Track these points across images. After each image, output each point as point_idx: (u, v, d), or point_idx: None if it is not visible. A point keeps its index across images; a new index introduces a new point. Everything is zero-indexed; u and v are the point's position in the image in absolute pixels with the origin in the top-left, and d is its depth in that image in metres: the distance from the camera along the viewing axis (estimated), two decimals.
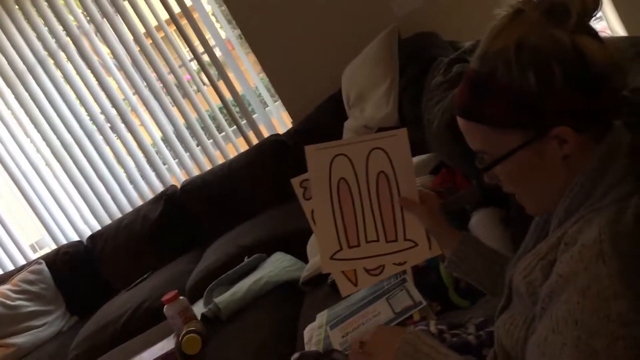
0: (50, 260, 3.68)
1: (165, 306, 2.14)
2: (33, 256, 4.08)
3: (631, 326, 0.69)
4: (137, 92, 3.87)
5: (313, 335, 1.61)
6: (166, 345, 2.04)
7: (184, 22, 3.72)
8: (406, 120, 2.61)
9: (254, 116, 3.96)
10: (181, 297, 2.16)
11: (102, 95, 3.86)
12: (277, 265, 2.41)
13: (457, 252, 1.08)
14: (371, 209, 1.05)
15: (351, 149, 1.03)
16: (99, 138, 3.92)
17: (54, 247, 3.96)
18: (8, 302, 3.38)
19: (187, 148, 3.98)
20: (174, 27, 3.82)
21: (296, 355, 1.33)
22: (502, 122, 0.82)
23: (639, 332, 0.70)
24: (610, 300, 0.70)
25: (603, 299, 0.70)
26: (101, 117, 3.90)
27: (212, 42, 3.89)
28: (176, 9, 3.67)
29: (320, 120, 3.34)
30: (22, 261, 4.04)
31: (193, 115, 3.93)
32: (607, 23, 3.10)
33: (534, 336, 0.79)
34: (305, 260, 2.33)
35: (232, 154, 3.90)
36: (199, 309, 2.29)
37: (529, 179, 0.85)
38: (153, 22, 3.77)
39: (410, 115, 2.50)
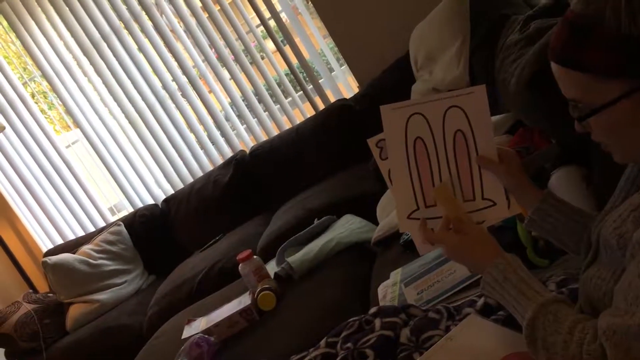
0: (128, 222, 3.86)
1: (240, 265, 2.21)
2: (112, 218, 4.28)
3: None
4: (206, 59, 3.95)
5: (387, 292, 1.63)
6: (242, 301, 2.12)
7: None
8: (477, 81, 2.55)
9: (320, 81, 3.97)
10: (255, 256, 2.23)
11: (173, 63, 3.96)
12: (347, 227, 2.44)
13: (538, 210, 1.07)
14: (448, 168, 1.05)
15: (427, 108, 1.02)
16: (170, 105, 4.04)
17: (131, 210, 4.15)
18: (91, 261, 3.57)
19: (254, 114, 4.04)
20: None
21: (374, 309, 1.36)
22: (606, 71, 0.78)
23: None
24: None
25: None
26: (173, 85, 4.01)
27: (278, 8, 3.91)
28: None
29: (387, 84, 3.31)
30: (102, 223, 4.25)
31: (260, 82, 3.98)
32: None
33: (619, 283, 0.78)
34: (375, 223, 2.35)
35: (298, 119, 3.94)
36: (271, 268, 2.35)
37: (625, 130, 0.82)
38: None
39: (482, 76, 2.44)
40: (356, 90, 3.65)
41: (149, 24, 3.88)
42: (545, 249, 1.42)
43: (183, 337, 2.05)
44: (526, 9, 2.44)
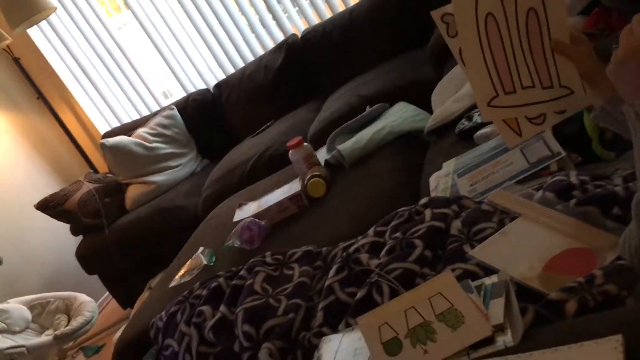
0: (181, 106, 3.89)
1: (290, 151, 2.19)
2: (165, 102, 4.32)
3: None
4: None
5: (439, 182, 1.59)
6: (292, 187, 2.12)
7: None
8: None
9: None
10: (305, 143, 2.20)
11: None
12: (400, 115, 2.36)
13: (612, 100, 0.98)
14: (522, 51, 0.95)
15: None
16: None
17: (183, 94, 4.16)
18: (146, 143, 3.65)
19: None
20: None
21: (425, 199, 1.32)
22: None
23: None
24: None
25: None
26: None
27: None
28: None
29: None
30: (155, 107, 4.30)
31: None
32: None
33: None
34: (429, 111, 2.27)
35: (352, 1, 3.75)
36: (321, 156, 2.33)
37: None
38: None
39: None
40: None
41: None
42: (613, 141, 1.33)
43: (235, 219, 2.10)
44: None
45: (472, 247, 1.10)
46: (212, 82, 4.07)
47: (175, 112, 3.84)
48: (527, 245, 1.03)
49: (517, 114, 0.97)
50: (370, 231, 1.32)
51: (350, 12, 3.48)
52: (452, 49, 0.96)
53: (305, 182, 2.07)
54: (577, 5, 1.72)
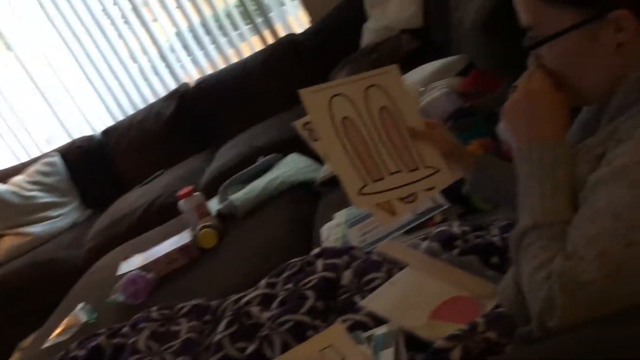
0: (65, 153, 3.70)
1: (181, 201, 2.14)
2: (47, 149, 4.08)
3: None
4: None
5: (331, 233, 1.61)
6: (182, 238, 2.06)
7: None
8: (432, 21, 2.50)
9: (270, 14, 3.81)
10: (196, 193, 2.16)
11: None
12: (292, 166, 2.39)
13: (477, 171, 1.05)
14: (383, 143, 1.02)
15: (347, 89, 0.99)
16: (112, 32, 3.81)
17: (68, 141, 3.96)
18: (23, 192, 3.42)
19: (201, 46, 3.87)
20: None
21: (317, 250, 1.33)
22: None
23: None
24: None
25: None
26: (114, 9, 3.77)
27: None
28: None
29: (339, 21, 3.23)
30: (36, 153, 4.05)
31: (208, 12, 3.80)
32: None
33: (572, 224, 0.76)
34: (321, 162, 2.31)
35: (246, 53, 3.80)
36: (213, 206, 2.30)
37: (575, 64, 0.80)
38: None
39: (437, 15, 2.39)
40: (307, 25, 3.53)
41: None
42: None
43: (119, 273, 1.99)
44: None
45: (363, 297, 1.11)
46: (100, 129, 3.91)
47: (57, 158, 3.64)
48: (414, 295, 1.06)
49: (388, 197, 1.02)
50: (262, 283, 1.30)
51: (245, 64, 3.51)
52: (318, 151, 1.02)
53: (196, 232, 2.02)
54: (456, 67, 1.85)
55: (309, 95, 0.97)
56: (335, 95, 0.98)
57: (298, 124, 1.02)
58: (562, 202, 0.76)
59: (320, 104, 0.98)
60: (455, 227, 1.24)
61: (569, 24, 0.77)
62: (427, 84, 1.91)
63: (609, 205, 0.69)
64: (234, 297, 1.33)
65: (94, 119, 4.04)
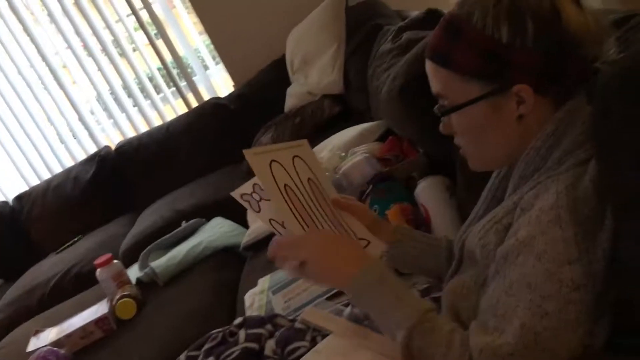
0: None
1: (98, 270, 2.06)
2: None
3: (582, 290, 0.70)
4: (70, 47, 3.67)
5: (255, 300, 1.58)
6: (99, 309, 1.97)
7: None
8: (352, 87, 2.59)
9: (193, 78, 3.84)
10: (115, 261, 2.09)
11: (32, 49, 3.64)
12: (216, 230, 2.36)
13: (394, 243, 1.08)
14: (319, 211, 1.01)
15: (279, 156, 0.99)
16: (28, 94, 3.70)
17: None
18: None
19: (122, 109, 3.82)
20: None
21: (239, 320, 1.30)
22: (468, 70, 0.82)
23: (589, 296, 0.71)
24: (564, 265, 0.70)
25: (558, 264, 0.70)
26: (30, 72, 3.68)
27: None
28: None
29: (263, 85, 3.28)
30: None
31: (130, 75, 3.77)
32: None
33: (486, 296, 0.79)
34: (246, 226, 2.29)
35: (170, 116, 3.78)
36: (133, 273, 2.22)
37: (481, 133, 0.86)
38: None
39: (356, 82, 2.48)
40: (231, 89, 3.57)
41: (4, 4, 3.52)
42: None
43: (28, 350, 1.87)
44: (398, 20, 2.51)
45: None
46: (12, 195, 3.73)
47: None
48: None
49: None
50: (182, 357, 1.25)
51: (168, 127, 3.48)
52: (262, 220, 0.98)
53: (114, 302, 1.94)
54: (374, 133, 1.91)
55: (253, 157, 0.94)
56: (273, 161, 0.96)
57: (236, 194, 0.98)
58: (413, 300, 0.82)
59: (264, 166, 0.95)
60: None
61: (475, 95, 0.83)
62: (348, 148, 1.96)
63: (522, 278, 0.72)
64: None
65: (5, 185, 3.85)
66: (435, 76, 0.88)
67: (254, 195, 0.97)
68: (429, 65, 0.88)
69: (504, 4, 0.78)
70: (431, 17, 1.87)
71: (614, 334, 0.74)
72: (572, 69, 0.79)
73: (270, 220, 0.96)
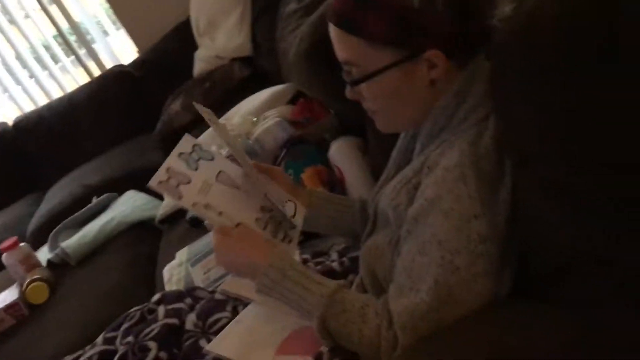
0: None
1: (4, 254, 1.96)
2: None
3: (488, 243, 0.73)
4: None
5: (173, 274, 1.55)
6: (8, 296, 1.87)
7: None
8: (261, 49, 2.54)
9: (93, 45, 3.64)
10: (22, 244, 1.99)
11: None
12: (130, 204, 2.28)
13: (311, 208, 1.09)
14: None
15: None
16: None
17: None
18: None
19: (18, 81, 3.58)
20: None
21: (157, 296, 1.26)
22: (380, 38, 0.80)
23: (495, 248, 0.74)
24: (471, 221, 0.73)
25: (465, 220, 0.73)
26: None
27: None
28: None
29: (169, 50, 3.17)
30: None
31: (23, 44, 3.52)
32: None
33: (400, 258, 0.81)
34: (161, 198, 2.23)
35: (71, 87, 3.58)
36: (43, 255, 2.12)
37: (392, 99, 0.85)
38: None
39: (265, 44, 2.43)
40: (135, 55, 3.42)
41: None
42: None
43: None
44: None
45: (209, 340, 1.07)
46: None
47: None
48: (260, 332, 1.04)
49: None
50: (99, 339, 1.21)
51: (70, 98, 3.30)
52: (185, 206, 0.95)
53: (24, 288, 1.85)
54: (284, 96, 1.89)
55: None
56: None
57: (153, 183, 0.92)
58: (319, 286, 0.84)
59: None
60: (296, 256, 1.25)
61: (387, 63, 0.81)
62: (259, 113, 1.93)
63: (433, 236, 0.74)
64: (70, 357, 1.22)
65: None
66: (342, 43, 0.84)
67: (170, 181, 0.93)
68: (334, 32, 0.85)
69: None
70: None
71: (516, 281, 0.78)
72: (476, 28, 0.79)
73: (193, 204, 0.94)
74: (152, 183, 0.92)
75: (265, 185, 1.02)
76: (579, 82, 0.61)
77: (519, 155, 0.72)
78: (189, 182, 0.95)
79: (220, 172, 1.00)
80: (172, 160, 0.95)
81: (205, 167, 0.98)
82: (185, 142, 0.99)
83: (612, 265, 0.67)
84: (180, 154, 0.97)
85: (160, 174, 0.93)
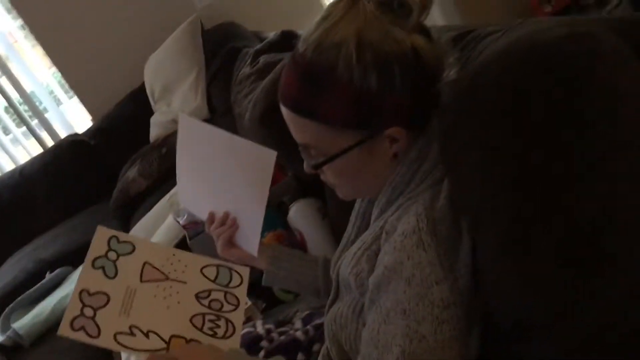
0: None
1: None
2: None
3: (452, 307, 0.71)
4: None
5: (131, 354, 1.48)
6: None
7: None
8: (217, 111, 2.54)
9: (46, 115, 3.59)
10: None
11: None
12: None
13: (270, 263, 1.09)
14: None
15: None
16: None
17: None
18: None
19: None
20: None
21: None
22: (337, 121, 0.78)
23: (460, 312, 0.72)
24: (433, 287, 0.71)
25: (427, 286, 0.71)
26: None
27: None
28: None
29: (124, 117, 3.14)
30: None
31: None
32: None
33: (366, 328, 0.78)
34: None
35: (23, 159, 3.50)
36: None
37: (354, 174, 0.84)
38: None
39: (221, 106, 2.44)
40: (90, 124, 3.38)
41: None
42: None
43: None
44: (256, 41, 2.50)
45: None
46: None
47: None
48: None
49: None
50: None
51: (21, 171, 3.22)
52: (104, 344, 0.74)
53: None
54: None
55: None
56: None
57: (65, 329, 0.74)
58: None
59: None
60: (260, 327, 1.21)
61: (347, 145, 0.79)
62: None
63: (397, 305, 0.72)
64: None
65: None
66: (298, 126, 0.82)
67: (85, 311, 0.74)
68: (288, 115, 0.82)
69: (367, 54, 0.74)
70: (286, 39, 1.87)
71: (484, 342, 0.76)
72: (432, 98, 0.79)
73: (115, 337, 0.74)
74: (63, 329, 0.73)
75: (199, 260, 0.87)
76: (526, 128, 0.60)
77: (472, 215, 0.71)
78: (107, 303, 0.77)
79: (145, 264, 0.82)
80: (86, 277, 0.78)
81: (127, 266, 0.81)
82: (99, 239, 0.83)
83: (575, 319, 0.67)
84: (95, 260, 0.81)
85: (71, 308, 0.74)
